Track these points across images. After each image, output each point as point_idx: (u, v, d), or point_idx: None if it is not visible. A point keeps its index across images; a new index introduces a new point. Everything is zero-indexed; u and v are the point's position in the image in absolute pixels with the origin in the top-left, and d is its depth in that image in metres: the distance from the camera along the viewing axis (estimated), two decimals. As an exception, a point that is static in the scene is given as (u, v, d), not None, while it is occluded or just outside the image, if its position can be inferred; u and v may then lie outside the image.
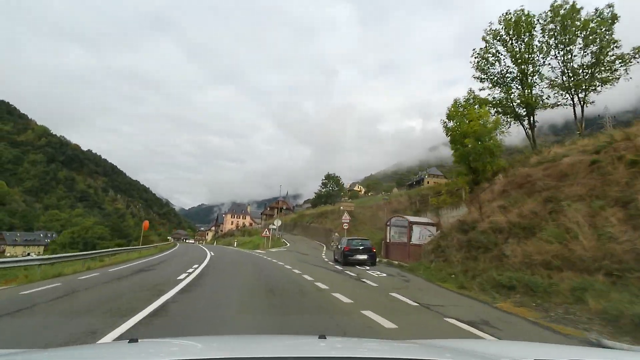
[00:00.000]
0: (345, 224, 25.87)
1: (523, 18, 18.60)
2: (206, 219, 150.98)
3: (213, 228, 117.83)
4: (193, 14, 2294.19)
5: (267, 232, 35.83)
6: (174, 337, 3.90)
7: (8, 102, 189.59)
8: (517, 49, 19.05)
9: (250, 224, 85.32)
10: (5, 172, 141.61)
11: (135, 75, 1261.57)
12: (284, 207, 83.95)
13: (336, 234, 28.53)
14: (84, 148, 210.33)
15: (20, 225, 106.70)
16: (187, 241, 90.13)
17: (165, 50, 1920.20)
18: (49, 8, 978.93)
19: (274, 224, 37.80)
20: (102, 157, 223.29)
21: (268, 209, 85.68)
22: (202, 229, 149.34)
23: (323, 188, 51.29)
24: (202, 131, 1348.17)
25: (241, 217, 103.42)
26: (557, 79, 19.11)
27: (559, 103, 19.57)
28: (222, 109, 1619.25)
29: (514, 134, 20.21)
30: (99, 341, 3.98)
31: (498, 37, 19.36)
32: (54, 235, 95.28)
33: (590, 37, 17.60)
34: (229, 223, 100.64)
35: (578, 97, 18.82)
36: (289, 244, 35.65)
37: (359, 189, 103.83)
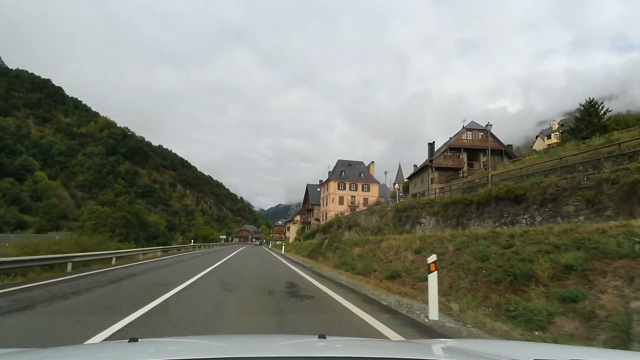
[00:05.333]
0: None
1: None
2: (284, 217, 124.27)
3: (298, 217, 66.48)
4: (264, 21, 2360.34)
5: None
6: (174, 336, 3.88)
7: (76, 98, 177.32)
8: None
9: (378, 201, 38.19)
10: (54, 165, 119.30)
11: (216, 86, 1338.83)
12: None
13: None
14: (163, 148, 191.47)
15: (41, 225, 77.41)
16: (255, 242, 64.73)
17: (241, 60, 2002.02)
18: (142, 32, 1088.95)
19: None
20: (172, 151, 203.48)
21: (432, 164, 36.14)
22: (280, 222, 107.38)
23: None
24: (278, 134, 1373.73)
25: (359, 186, 50.70)
26: None
27: None
28: (296, 110, 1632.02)
29: None
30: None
31: None
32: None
33: None
34: (335, 200, 48.02)
35: None
36: None
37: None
